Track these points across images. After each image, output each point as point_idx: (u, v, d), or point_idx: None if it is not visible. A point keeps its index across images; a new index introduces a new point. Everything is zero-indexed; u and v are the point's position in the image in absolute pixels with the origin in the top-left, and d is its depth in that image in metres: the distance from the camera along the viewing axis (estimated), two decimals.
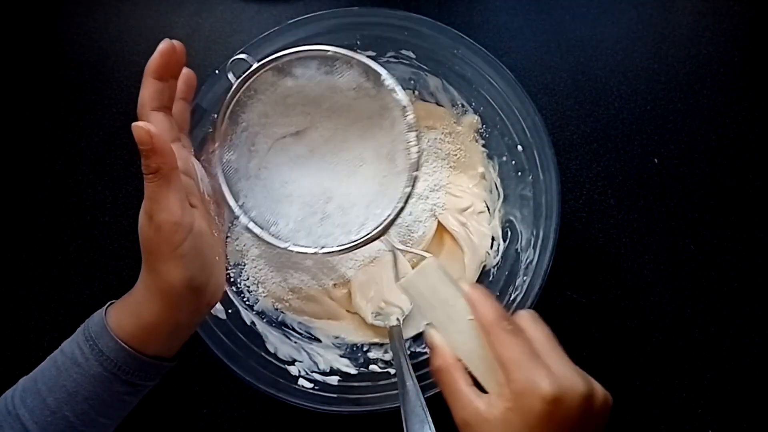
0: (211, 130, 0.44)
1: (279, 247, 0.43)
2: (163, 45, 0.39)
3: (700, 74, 0.63)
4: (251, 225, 0.43)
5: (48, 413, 0.36)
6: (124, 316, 0.38)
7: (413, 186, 0.41)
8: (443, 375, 0.38)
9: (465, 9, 0.66)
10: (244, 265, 0.53)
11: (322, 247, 0.43)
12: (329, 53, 0.41)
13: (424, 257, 0.41)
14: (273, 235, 0.43)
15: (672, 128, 0.61)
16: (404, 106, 0.41)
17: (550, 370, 0.34)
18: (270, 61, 0.42)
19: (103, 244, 0.59)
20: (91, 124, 0.62)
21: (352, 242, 0.42)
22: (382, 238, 0.43)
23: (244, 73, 0.42)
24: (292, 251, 0.43)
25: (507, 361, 0.35)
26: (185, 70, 0.43)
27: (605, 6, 0.65)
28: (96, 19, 0.66)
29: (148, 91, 0.39)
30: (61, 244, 0.59)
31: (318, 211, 0.46)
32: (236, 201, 0.43)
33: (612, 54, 0.63)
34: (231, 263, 0.52)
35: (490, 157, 0.56)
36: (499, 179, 0.55)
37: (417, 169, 0.41)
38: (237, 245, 0.53)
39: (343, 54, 0.41)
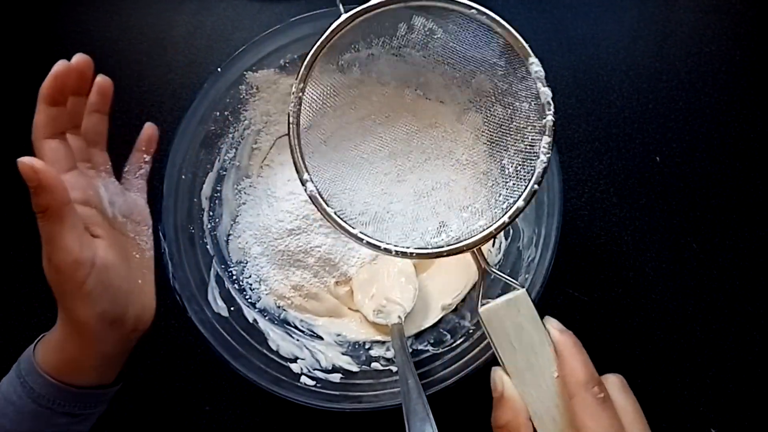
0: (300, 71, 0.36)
1: (348, 233, 0.36)
2: (57, 67, 0.36)
3: (702, 72, 0.62)
4: (319, 200, 0.36)
5: None
6: (49, 351, 0.37)
7: (529, 201, 0.32)
8: None
9: None
10: (246, 263, 0.53)
11: (395, 245, 0.35)
12: (471, 11, 0.33)
13: (515, 288, 0.34)
14: (339, 217, 0.36)
15: (674, 126, 0.61)
16: (548, 102, 0.33)
17: None
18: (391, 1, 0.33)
19: None
20: None
21: (434, 249, 0.35)
22: (471, 251, 0.34)
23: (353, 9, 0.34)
24: (361, 240, 0.35)
25: None
26: (100, 79, 0.40)
27: (607, 4, 0.65)
28: (96, 18, 0.65)
29: (41, 117, 0.36)
30: None
31: (391, 193, 0.39)
32: (304, 164, 0.36)
33: (614, 52, 0.63)
34: (233, 261, 0.53)
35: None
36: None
37: (540, 182, 0.32)
38: (239, 243, 0.53)
39: (490, 16, 0.32)
